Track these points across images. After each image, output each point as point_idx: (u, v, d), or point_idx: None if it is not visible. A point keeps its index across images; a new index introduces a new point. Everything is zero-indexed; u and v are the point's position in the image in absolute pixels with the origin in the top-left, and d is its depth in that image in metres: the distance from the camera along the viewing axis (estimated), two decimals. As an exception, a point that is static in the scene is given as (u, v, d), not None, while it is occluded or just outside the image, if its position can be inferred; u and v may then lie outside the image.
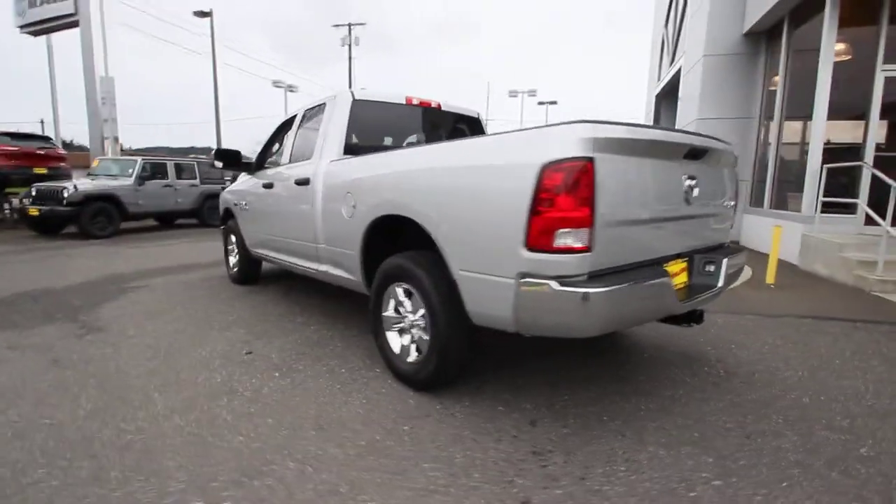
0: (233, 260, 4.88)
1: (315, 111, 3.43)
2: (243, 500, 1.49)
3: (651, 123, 13.38)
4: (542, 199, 1.60)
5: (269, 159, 4.13)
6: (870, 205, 5.30)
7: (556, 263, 1.62)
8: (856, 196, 5.67)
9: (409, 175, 2.17)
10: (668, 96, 12.10)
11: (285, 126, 4.09)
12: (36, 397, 2.23)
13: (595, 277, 1.68)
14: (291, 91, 33.32)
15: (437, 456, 1.76)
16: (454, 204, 1.92)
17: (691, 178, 2.07)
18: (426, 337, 2.21)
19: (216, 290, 4.49)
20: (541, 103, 40.79)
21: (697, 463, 1.72)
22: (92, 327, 3.31)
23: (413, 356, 2.33)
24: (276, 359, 2.73)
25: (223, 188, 12.18)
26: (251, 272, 4.72)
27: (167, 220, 11.18)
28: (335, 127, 3.08)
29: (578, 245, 1.61)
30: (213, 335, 3.15)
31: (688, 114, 8.82)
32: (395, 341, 2.45)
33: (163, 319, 3.50)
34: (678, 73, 10.07)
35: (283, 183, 3.52)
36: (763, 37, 7.70)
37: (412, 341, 2.34)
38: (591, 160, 1.57)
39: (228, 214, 4.89)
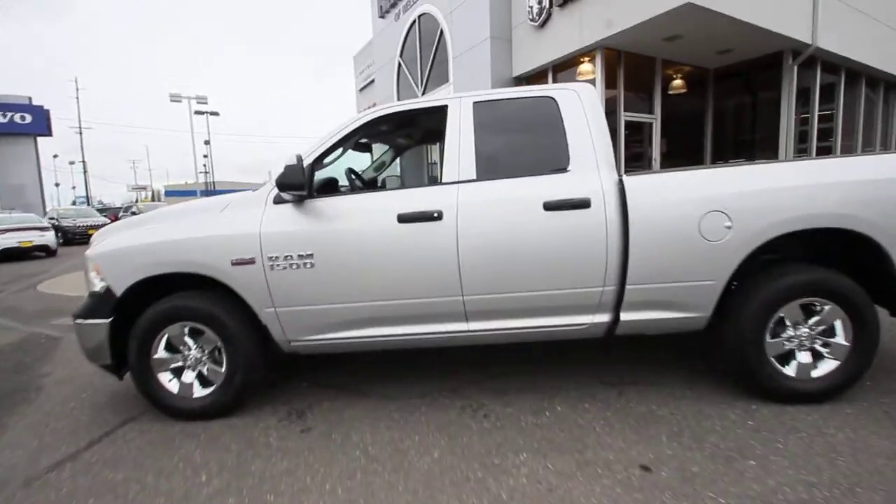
0: (185, 378, 2.54)
1: (521, 107, 2.53)
2: None
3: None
4: None
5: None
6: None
7: None
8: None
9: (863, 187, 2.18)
10: (416, 119, 13.66)
11: (386, 124, 2.71)
12: None
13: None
14: None
15: None
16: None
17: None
18: (846, 343, 2.28)
19: (222, 438, 2.32)
20: (199, 112, 37.82)
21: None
22: None
23: (815, 371, 2.33)
24: (699, 456, 1.99)
25: None
26: (248, 388, 2.60)
27: None
28: (599, 130, 2.43)
29: None
30: (530, 486, 1.87)
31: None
32: (781, 363, 2.35)
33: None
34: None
35: (487, 209, 2.34)
36: (524, 81, 10.10)
37: (812, 358, 2.34)
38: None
39: (155, 287, 2.51)
